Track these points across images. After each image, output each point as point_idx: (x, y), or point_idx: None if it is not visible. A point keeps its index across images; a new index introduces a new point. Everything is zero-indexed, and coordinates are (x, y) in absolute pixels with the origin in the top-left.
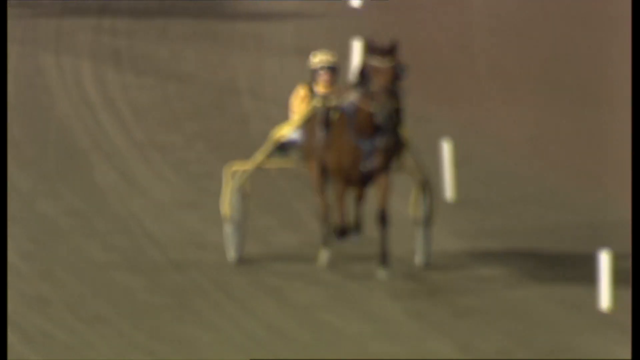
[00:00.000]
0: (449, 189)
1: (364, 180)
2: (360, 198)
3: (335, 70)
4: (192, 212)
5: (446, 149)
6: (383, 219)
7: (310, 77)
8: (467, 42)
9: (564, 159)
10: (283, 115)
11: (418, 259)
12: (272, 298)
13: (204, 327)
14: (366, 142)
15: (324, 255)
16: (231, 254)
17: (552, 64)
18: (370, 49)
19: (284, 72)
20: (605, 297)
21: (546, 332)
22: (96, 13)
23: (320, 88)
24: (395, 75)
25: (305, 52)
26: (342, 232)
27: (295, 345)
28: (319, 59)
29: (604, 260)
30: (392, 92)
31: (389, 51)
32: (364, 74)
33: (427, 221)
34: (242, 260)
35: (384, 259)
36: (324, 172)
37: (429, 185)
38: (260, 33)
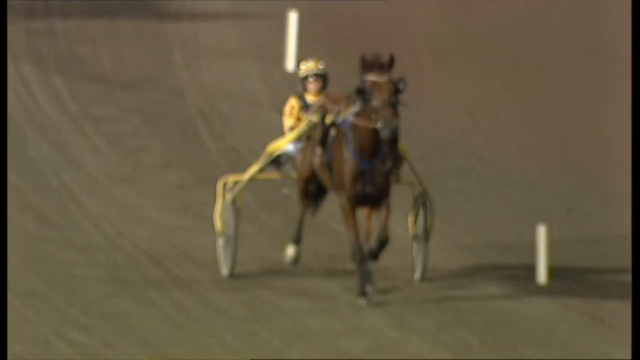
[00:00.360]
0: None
1: (368, 202)
2: (369, 218)
3: (323, 77)
4: (127, 185)
5: None
6: (382, 246)
7: (300, 86)
8: (404, 15)
9: (501, 133)
10: (219, 89)
11: (417, 274)
12: (206, 271)
13: (139, 303)
14: (367, 163)
15: (290, 251)
16: (224, 269)
17: (489, 36)
18: (366, 64)
19: (219, 44)
20: (542, 271)
21: (484, 306)
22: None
23: (310, 96)
24: (395, 88)
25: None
26: (358, 254)
27: (232, 320)
28: (306, 66)
29: (541, 234)
30: (394, 106)
31: (386, 65)
32: (363, 89)
33: (427, 234)
34: (235, 276)
35: (369, 289)
36: (311, 184)
37: (428, 198)
38: (195, 31)
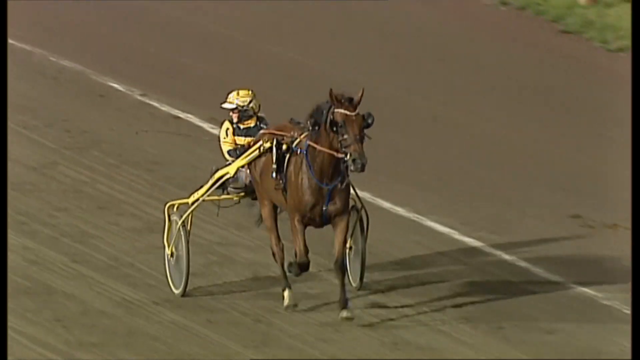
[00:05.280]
0: None
1: (325, 222)
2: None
3: (243, 109)
4: None
5: None
6: (342, 267)
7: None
8: None
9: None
10: None
11: (355, 283)
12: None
13: None
14: (328, 186)
15: (288, 296)
16: (178, 290)
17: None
18: (335, 99)
19: None
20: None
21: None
22: None
23: (240, 124)
24: (365, 123)
25: None
26: (304, 267)
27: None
28: (228, 102)
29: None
30: (363, 139)
31: (355, 100)
32: (335, 122)
33: (364, 246)
34: (187, 294)
35: (345, 302)
36: (275, 211)
37: (365, 212)
38: None
